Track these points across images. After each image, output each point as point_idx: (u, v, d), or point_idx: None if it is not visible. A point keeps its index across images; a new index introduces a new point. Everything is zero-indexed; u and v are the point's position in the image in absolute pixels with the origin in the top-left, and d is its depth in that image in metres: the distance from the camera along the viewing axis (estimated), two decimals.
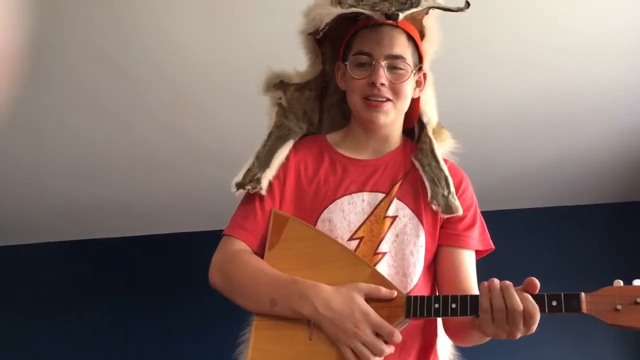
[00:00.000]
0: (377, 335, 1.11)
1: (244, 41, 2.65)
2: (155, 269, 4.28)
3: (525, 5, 2.51)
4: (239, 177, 1.33)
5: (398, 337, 1.11)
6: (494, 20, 2.56)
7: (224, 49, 2.71)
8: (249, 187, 1.31)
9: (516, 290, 1.08)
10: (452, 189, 1.32)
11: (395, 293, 1.15)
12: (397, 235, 1.29)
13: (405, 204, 1.32)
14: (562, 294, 1.06)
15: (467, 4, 1.31)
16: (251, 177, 1.32)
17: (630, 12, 2.52)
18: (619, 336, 3.49)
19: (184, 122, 3.20)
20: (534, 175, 3.67)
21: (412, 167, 1.37)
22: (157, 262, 4.30)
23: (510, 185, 3.76)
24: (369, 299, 1.14)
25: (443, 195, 1.30)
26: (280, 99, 1.43)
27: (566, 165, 3.57)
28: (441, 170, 1.34)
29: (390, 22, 1.29)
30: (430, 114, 1.44)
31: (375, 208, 1.31)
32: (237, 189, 1.32)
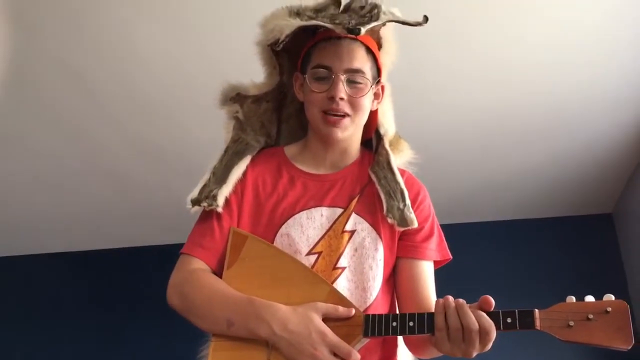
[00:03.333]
0: (335, 355, 1.11)
1: (209, 53, 2.64)
2: (116, 283, 4.17)
3: (486, 22, 2.56)
4: (194, 193, 1.31)
5: (356, 356, 1.11)
6: (452, 39, 2.61)
7: (188, 60, 2.69)
8: (204, 203, 1.29)
9: (471, 308, 1.09)
10: (408, 201, 1.32)
11: (353, 311, 1.15)
12: (355, 250, 1.29)
13: (364, 218, 1.32)
14: (516, 310, 1.07)
15: (426, 19, 1.31)
16: (207, 194, 1.30)
17: (582, 29, 2.59)
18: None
19: (147, 133, 3.14)
20: (493, 189, 3.69)
21: (369, 181, 1.37)
22: (118, 276, 4.19)
23: (469, 199, 3.77)
24: (327, 319, 1.14)
25: (398, 208, 1.31)
26: (237, 112, 1.41)
27: (523, 180, 3.60)
28: (397, 182, 1.35)
29: (351, 35, 1.28)
30: (388, 126, 1.44)
31: (334, 223, 1.30)
32: (193, 206, 1.30)
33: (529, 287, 3.46)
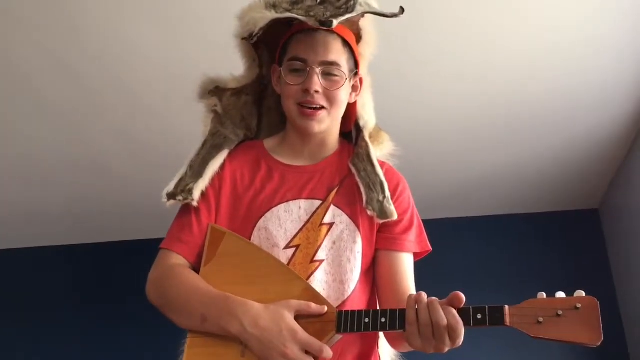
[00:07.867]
0: (308, 353, 1.11)
1: (199, 48, 2.62)
2: (101, 277, 4.13)
3: (466, 16, 2.52)
4: (170, 187, 1.31)
5: (328, 353, 1.12)
6: (436, 34, 2.58)
7: (178, 55, 2.68)
8: (180, 197, 1.29)
9: (441, 304, 1.09)
10: (388, 193, 1.32)
11: (326, 309, 1.15)
12: (334, 243, 1.29)
13: (342, 210, 1.32)
14: (486, 306, 1.07)
15: (402, 10, 1.30)
16: (183, 187, 1.30)
17: (568, 25, 2.57)
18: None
19: (135, 128, 3.13)
20: (479, 184, 3.66)
21: (348, 173, 1.36)
22: (103, 270, 4.15)
23: (454, 194, 3.73)
24: (300, 316, 1.14)
25: (378, 201, 1.30)
26: (215, 105, 1.40)
27: (510, 175, 3.56)
28: (377, 175, 1.34)
29: (324, 28, 1.27)
30: (367, 117, 1.43)
31: (312, 215, 1.30)
32: (168, 200, 1.30)
33: (515, 283, 3.44)
